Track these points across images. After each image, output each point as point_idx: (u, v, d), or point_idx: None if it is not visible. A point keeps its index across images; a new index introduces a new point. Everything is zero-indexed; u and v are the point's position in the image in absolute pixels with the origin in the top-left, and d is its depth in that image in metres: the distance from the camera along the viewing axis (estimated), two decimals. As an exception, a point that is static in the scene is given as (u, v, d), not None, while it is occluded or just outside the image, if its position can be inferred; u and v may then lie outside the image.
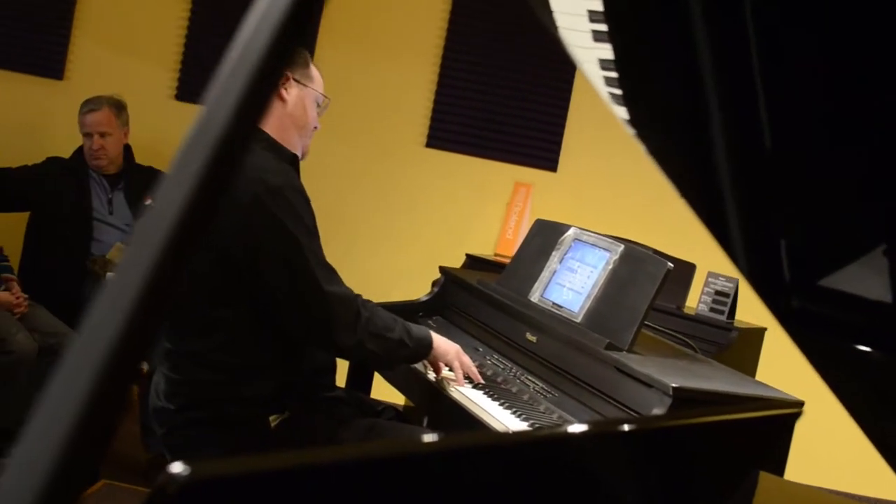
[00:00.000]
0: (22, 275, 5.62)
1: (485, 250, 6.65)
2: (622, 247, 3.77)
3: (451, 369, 3.72)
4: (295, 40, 0.71)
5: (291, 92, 3.56)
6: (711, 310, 5.12)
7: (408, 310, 4.36)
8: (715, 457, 1.68)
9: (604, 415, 3.32)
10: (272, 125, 3.50)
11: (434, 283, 4.75)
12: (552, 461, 1.29)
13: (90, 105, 5.88)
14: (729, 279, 5.14)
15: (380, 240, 6.89)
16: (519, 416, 3.38)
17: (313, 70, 3.65)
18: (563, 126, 7.04)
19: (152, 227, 0.69)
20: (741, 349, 4.93)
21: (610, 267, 3.75)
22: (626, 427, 1.47)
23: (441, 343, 3.64)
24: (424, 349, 3.59)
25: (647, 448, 1.49)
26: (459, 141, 7.06)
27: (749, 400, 3.28)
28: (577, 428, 1.47)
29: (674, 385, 3.09)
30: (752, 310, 5.74)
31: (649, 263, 3.64)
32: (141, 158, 6.14)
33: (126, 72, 7.11)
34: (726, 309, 5.08)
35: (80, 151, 5.94)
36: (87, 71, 7.18)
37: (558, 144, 7.05)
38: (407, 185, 7.02)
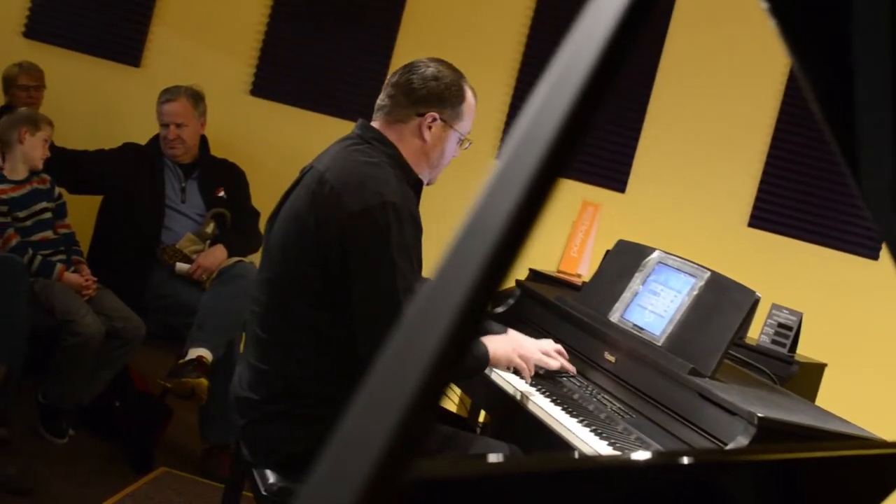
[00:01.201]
0: (91, 258, 5.67)
1: (548, 266, 6.63)
2: (708, 273, 3.76)
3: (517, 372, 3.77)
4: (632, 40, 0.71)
5: (434, 132, 3.55)
6: (773, 341, 5.10)
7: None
8: (834, 494, 1.67)
9: (683, 440, 3.31)
10: (407, 148, 3.52)
11: (508, 295, 4.74)
12: (683, 484, 1.29)
13: (168, 95, 5.91)
14: (793, 312, 5.13)
15: (441, 251, 6.84)
16: (599, 434, 3.37)
17: (466, 106, 3.61)
18: (634, 148, 7.04)
19: (475, 241, 0.69)
20: (800, 383, 4.91)
21: (695, 293, 3.74)
22: (755, 457, 1.47)
23: (497, 351, 3.66)
24: (483, 363, 3.61)
25: (767, 478, 1.49)
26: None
27: (837, 436, 3.26)
28: (709, 455, 1.47)
29: (760, 415, 3.07)
30: (813, 345, 5.74)
31: (736, 292, 3.63)
32: (213, 150, 6.17)
33: (202, 63, 7.15)
34: (788, 342, 5.07)
35: (156, 139, 5.98)
36: (163, 60, 7.23)
37: (628, 166, 7.04)
38: (471, 196, 7.01)
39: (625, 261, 4.19)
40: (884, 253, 6.95)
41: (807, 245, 7.00)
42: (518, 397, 3.73)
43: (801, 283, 6.78)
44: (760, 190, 6.99)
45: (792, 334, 5.09)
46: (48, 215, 5.44)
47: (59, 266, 5.31)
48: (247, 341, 3.62)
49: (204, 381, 5.01)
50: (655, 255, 4.06)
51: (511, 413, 3.77)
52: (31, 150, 5.35)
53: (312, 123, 7.14)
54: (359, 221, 3.24)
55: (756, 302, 3.56)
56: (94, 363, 5.22)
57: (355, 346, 3.32)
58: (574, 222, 6.96)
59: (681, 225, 6.87)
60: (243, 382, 3.50)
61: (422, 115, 3.51)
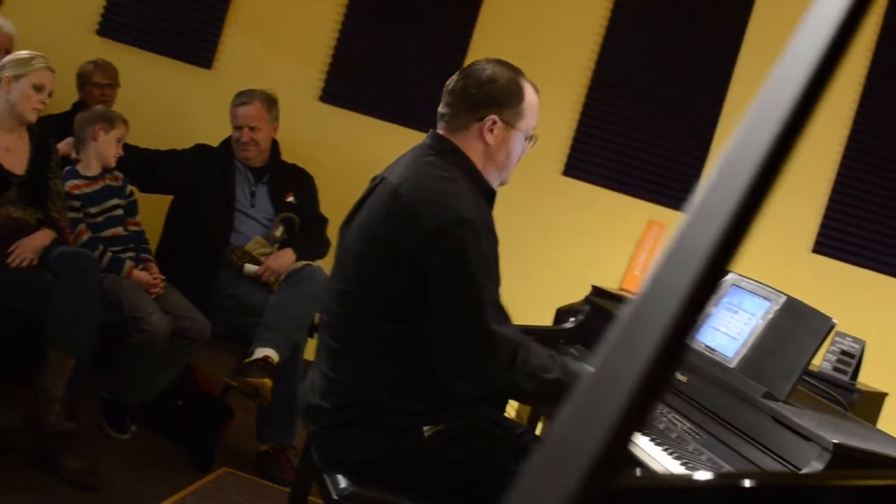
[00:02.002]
0: (159, 257, 5.70)
1: (610, 284, 6.63)
2: (784, 298, 3.75)
3: None
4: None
5: (496, 134, 3.50)
6: (835, 368, 5.08)
7: (550, 336, 4.36)
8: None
9: (755, 462, 3.30)
10: (473, 154, 3.50)
11: (577, 311, 4.75)
12: None
13: (243, 98, 5.95)
14: (856, 340, 5.11)
15: (506, 263, 6.85)
16: (671, 453, 3.38)
17: (527, 104, 3.54)
18: (701, 168, 7.03)
19: (683, 263, 0.70)
20: (861, 412, 4.87)
21: (770, 316, 3.73)
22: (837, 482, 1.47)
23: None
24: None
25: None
26: (597, 173, 7.07)
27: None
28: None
29: (835, 441, 3.06)
30: (875, 374, 5.72)
31: (813, 318, 3.61)
32: (282, 155, 6.20)
33: (273, 67, 7.20)
34: (850, 370, 5.04)
35: (227, 141, 6.02)
36: (235, 62, 7.28)
37: (695, 186, 7.00)
38: (540, 211, 7.03)
39: (697, 281, 4.18)
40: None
41: (870, 273, 6.97)
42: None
43: (864, 310, 6.75)
44: (826, 216, 6.98)
45: (854, 362, 5.06)
46: (119, 212, 5.49)
47: (128, 263, 5.36)
48: (318, 350, 3.62)
49: (268, 382, 5.03)
50: (730, 277, 4.05)
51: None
52: (105, 147, 5.40)
53: (381, 131, 7.18)
54: (436, 239, 3.23)
55: (832, 328, 3.55)
56: (159, 361, 5.25)
57: (427, 359, 3.30)
58: (638, 241, 6.97)
59: (746, 248, 6.84)
60: (315, 390, 3.51)
61: (481, 119, 3.48)
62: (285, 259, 5.66)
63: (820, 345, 3.55)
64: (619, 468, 0.68)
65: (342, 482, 3.40)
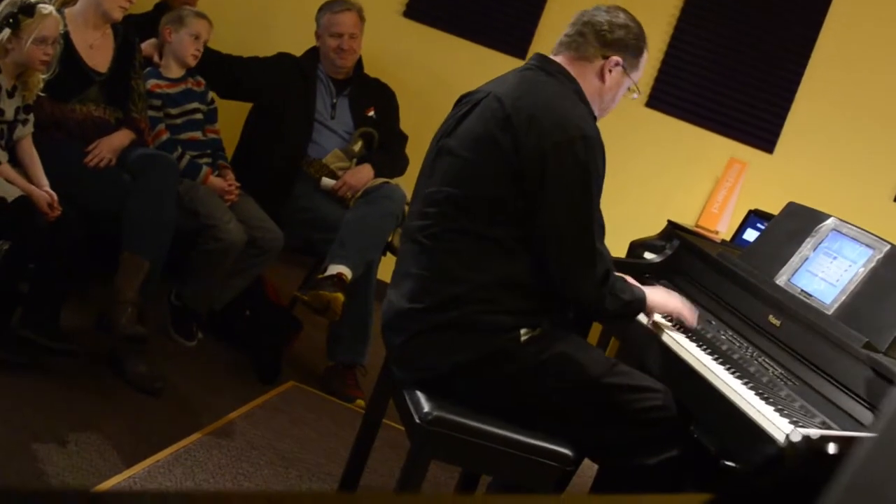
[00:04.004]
0: (235, 165, 5.63)
1: (687, 220, 6.52)
2: (888, 246, 3.64)
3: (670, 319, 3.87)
4: None
5: (613, 76, 3.67)
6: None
7: (635, 270, 4.27)
8: None
9: (852, 414, 3.20)
10: (586, 86, 3.65)
11: (665, 245, 4.65)
12: None
13: (341, 5, 5.84)
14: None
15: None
16: (765, 399, 3.26)
17: (643, 59, 3.77)
18: (787, 109, 6.90)
19: None
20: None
21: (872, 265, 3.62)
22: None
23: (656, 298, 3.76)
24: (641, 306, 3.69)
25: None
26: (680, 106, 6.94)
27: None
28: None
29: (942, 398, 2.96)
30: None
31: (918, 269, 3.52)
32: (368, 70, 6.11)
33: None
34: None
35: (312, 51, 5.92)
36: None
37: (780, 127, 6.90)
38: (620, 142, 6.91)
39: (796, 224, 4.08)
40: None
41: (953, 227, 6.84)
42: (679, 351, 3.66)
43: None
44: (910, 166, 6.84)
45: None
46: (199, 116, 5.42)
47: (205, 168, 5.29)
48: (403, 257, 3.63)
49: (341, 297, 4.97)
50: (830, 221, 3.95)
51: (668, 365, 3.71)
52: (179, 46, 5.33)
53: (463, 50, 7.08)
54: (561, 151, 3.35)
55: (939, 281, 3.45)
56: (230, 270, 5.20)
57: (528, 260, 3.43)
58: (718, 178, 6.85)
59: (825, 193, 6.71)
60: (403, 297, 3.51)
61: (607, 57, 3.64)
62: (363, 175, 5.58)
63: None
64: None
65: (425, 405, 3.34)
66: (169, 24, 5.34)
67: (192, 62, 5.39)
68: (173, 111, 5.31)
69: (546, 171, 3.34)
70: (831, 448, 2.91)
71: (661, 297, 3.79)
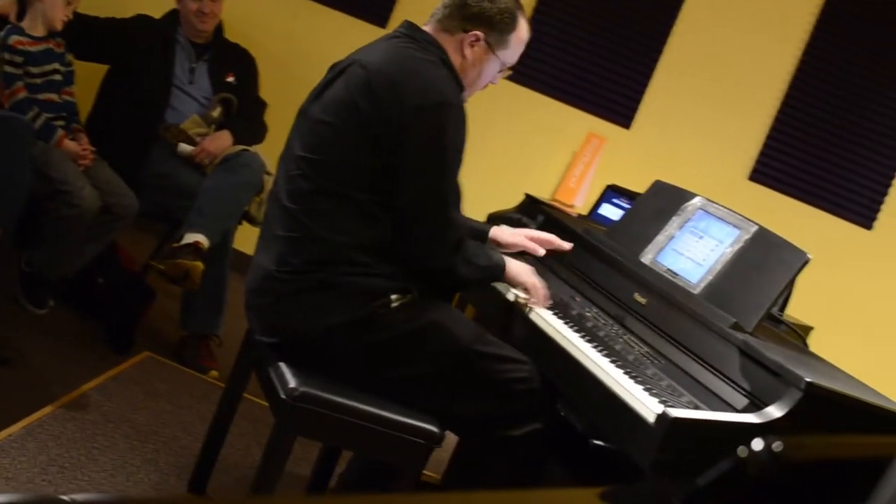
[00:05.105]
0: (89, 129, 5.44)
1: (543, 194, 6.54)
2: (755, 227, 3.69)
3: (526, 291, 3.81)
4: None
5: (475, 52, 3.62)
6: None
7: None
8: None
9: (718, 394, 3.21)
10: (455, 60, 3.60)
11: (509, 218, 4.67)
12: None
13: None
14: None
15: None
16: (634, 377, 3.26)
17: (515, 37, 3.68)
18: (645, 85, 6.96)
19: None
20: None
21: (739, 245, 3.65)
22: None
23: (514, 266, 3.74)
24: (498, 273, 3.70)
25: None
26: (540, 80, 6.95)
27: (881, 410, 3.19)
28: None
29: (808, 380, 2.98)
30: (800, 307, 5.71)
31: (786, 251, 3.56)
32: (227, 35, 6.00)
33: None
34: (780, 300, 4.99)
35: (171, 14, 5.78)
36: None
37: (637, 102, 6.95)
38: (479, 114, 6.88)
39: (662, 203, 4.09)
40: (878, 223, 6.94)
41: (804, 206, 6.97)
42: (543, 327, 3.65)
43: (795, 243, 6.74)
44: (766, 145, 6.97)
45: (784, 294, 5.01)
46: (58, 77, 5.24)
47: (59, 131, 5.13)
48: (269, 220, 3.60)
49: (200, 265, 4.88)
50: (697, 200, 3.97)
51: (533, 340, 3.69)
52: (51, 8, 5.14)
53: (324, 17, 6.99)
54: (420, 115, 3.34)
55: (806, 263, 3.49)
56: (83, 236, 5.05)
57: (387, 227, 3.44)
58: (576, 153, 6.88)
59: (681, 169, 6.79)
60: (270, 260, 3.48)
61: (467, 31, 3.59)
62: (222, 141, 5.47)
63: (793, 279, 3.49)
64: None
65: (291, 381, 3.29)
66: None
67: (60, 27, 5.22)
68: (34, 70, 5.11)
69: (403, 136, 3.34)
70: (701, 430, 2.94)
71: (518, 268, 3.76)
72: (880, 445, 1.16)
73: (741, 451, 0.88)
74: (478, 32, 3.57)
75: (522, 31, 3.70)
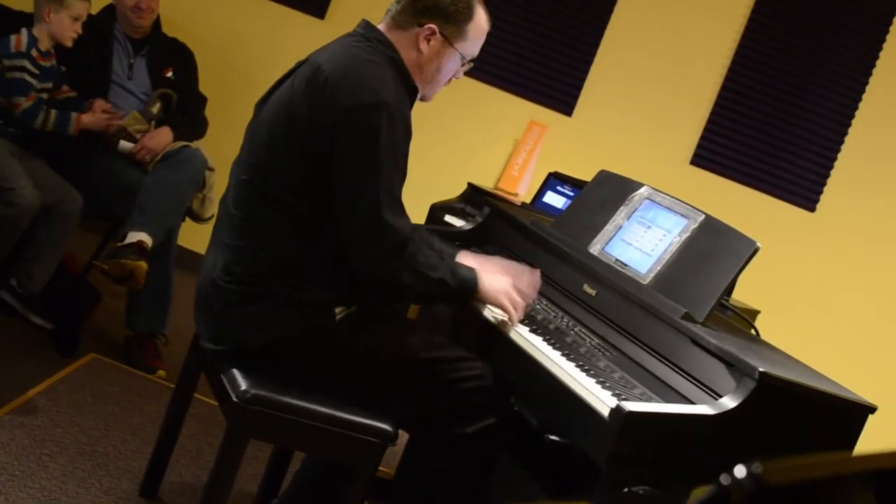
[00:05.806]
0: (27, 126, 5.37)
1: (486, 182, 6.52)
2: (703, 216, 3.69)
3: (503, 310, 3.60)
4: None
5: (432, 46, 3.50)
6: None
7: (444, 238, 4.22)
8: None
9: (671, 384, 3.21)
10: (404, 57, 3.48)
11: (474, 212, 4.63)
12: None
13: None
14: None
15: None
16: (586, 371, 3.24)
17: (474, 27, 3.56)
18: (586, 72, 6.97)
19: None
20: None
21: (687, 234, 3.65)
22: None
23: (488, 286, 3.53)
24: (468, 293, 3.50)
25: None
26: (481, 68, 6.91)
27: (833, 398, 3.21)
28: None
29: (761, 369, 2.99)
30: (748, 291, 5.72)
31: (735, 240, 3.56)
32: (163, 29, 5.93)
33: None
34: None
35: (108, 9, 5.72)
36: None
37: (578, 90, 6.96)
38: (418, 104, 6.85)
39: (608, 192, 4.08)
40: (820, 205, 6.98)
41: (746, 189, 7.01)
42: (494, 320, 3.61)
43: (738, 226, 6.77)
44: (706, 129, 6.99)
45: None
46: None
47: (73, 115, 5.21)
48: (218, 226, 3.54)
49: (144, 265, 4.83)
50: (643, 190, 3.97)
51: (486, 335, 3.66)
52: (58, 27, 5.15)
53: (261, 9, 6.93)
54: (351, 117, 3.24)
55: (756, 252, 3.49)
56: (38, 246, 4.99)
57: (330, 238, 3.33)
58: (518, 141, 6.87)
59: (623, 155, 6.82)
60: (217, 267, 3.41)
61: (421, 25, 3.47)
62: (162, 138, 5.41)
63: (742, 267, 3.49)
64: None
65: (242, 383, 3.26)
66: (49, 4, 5.11)
67: (70, 44, 5.24)
68: (41, 85, 5.16)
69: (333, 138, 3.24)
70: (656, 422, 2.94)
71: (494, 287, 3.54)
72: (868, 460, 1.15)
73: (724, 479, 0.87)
74: (432, 25, 3.46)
75: (481, 21, 3.58)
